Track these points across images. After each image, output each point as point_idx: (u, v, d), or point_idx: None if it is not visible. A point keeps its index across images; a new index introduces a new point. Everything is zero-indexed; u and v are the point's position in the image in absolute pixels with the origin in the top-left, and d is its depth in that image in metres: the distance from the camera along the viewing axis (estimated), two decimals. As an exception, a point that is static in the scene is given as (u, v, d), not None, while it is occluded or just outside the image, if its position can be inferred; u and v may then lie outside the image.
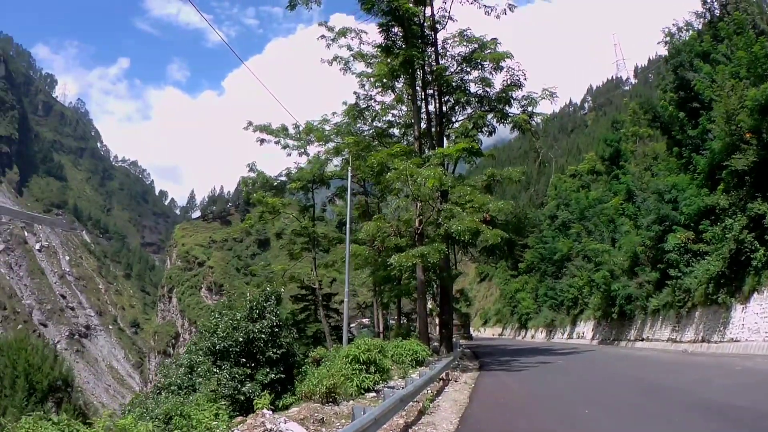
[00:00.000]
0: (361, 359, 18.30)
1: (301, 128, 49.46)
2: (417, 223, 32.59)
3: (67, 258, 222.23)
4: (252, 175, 53.36)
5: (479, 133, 38.54)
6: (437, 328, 45.33)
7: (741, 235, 29.07)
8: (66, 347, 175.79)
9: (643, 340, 40.23)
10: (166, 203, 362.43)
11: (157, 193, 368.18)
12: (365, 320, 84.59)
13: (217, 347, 23.51)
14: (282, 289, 26.66)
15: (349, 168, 37.10)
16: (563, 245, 69.49)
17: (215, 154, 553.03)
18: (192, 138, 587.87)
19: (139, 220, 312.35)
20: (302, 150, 51.39)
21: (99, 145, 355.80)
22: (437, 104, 38.34)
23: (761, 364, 21.71)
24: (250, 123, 49.58)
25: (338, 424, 13.20)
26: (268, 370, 23.53)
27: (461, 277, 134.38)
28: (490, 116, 38.50)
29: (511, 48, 38.25)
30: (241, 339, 23.55)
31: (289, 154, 51.31)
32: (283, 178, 54.21)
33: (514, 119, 37.43)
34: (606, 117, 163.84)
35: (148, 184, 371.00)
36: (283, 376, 23.80)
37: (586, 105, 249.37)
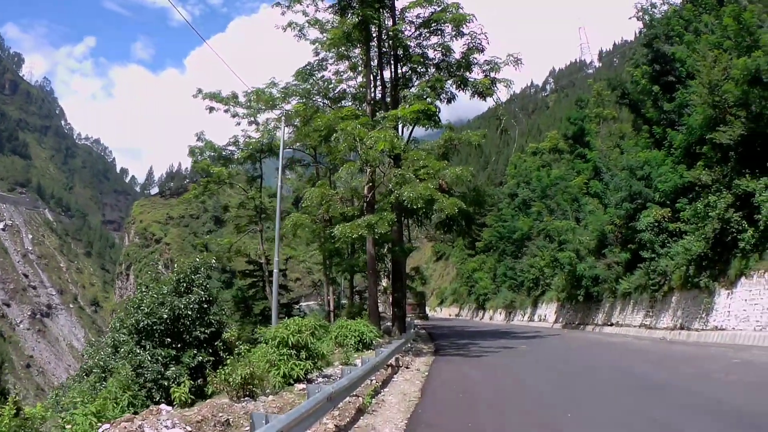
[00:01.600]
0: (290, 342, 14.84)
1: (252, 97, 46.06)
2: (366, 191, 29.09)
3: (30, 237, 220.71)
4: (200, 144, 49.76)
5: (437, 99, 35.55)
6: (391, 307, 42.10)
7: (726, 214, 26.32)
8: (28, 327, 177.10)
9: (612, 325, 37.61)
10: (126, 181, 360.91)
11: (118, 170, 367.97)
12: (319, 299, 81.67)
13: (140, 325, 20.14)
14: (213, 260, 23.07)
15: (282, 124, 33.43)
16: (523, 224, 66.91)
17: (176, 131, 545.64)
18: (154, 115, 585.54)
19: (100, 198, 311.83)
20: (252, 119, 48.20)
21: (63, 123, 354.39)
22: (393, 70, 35.33)
23: (759, 356, 18.89)
24: (200, 90, 47.17)
25: (247, 427, 9.79)
26: (195, 351, 20.21)
27: (417, 254, 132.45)
28: (449, 83, 35.49)
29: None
30: (165, 316, 20.24)
31: (238, 123, 48.49)
32: (232, 148, 50.69)
33: (475, 83, 34.43)
34: (568, 99, 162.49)
35: (110, 162, 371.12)
36: (212, 358, 20.24)
37: (548, 87, 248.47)
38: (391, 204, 27.24)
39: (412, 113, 27.75)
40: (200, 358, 19.77)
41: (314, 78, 39.94)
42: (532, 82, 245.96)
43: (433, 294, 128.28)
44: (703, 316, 27.37)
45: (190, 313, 20.57)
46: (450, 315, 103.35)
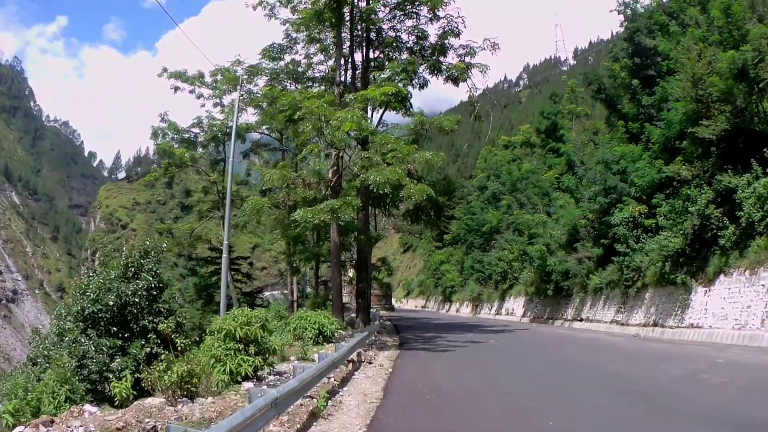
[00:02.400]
0: (238, 336, 13.25)
1: (219, 78, 44.00)
2: (330, 175, 27.50)
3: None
4: (163, 125, 47.50)
5: (410, 84, 34.17)
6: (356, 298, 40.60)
7: (707, 210, 25.31)
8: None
9: (582, 320, 36.62)
10: (94, 165, 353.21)
11: (86, 154, 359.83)
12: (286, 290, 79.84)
13: (86, 312, 18.60)
14: (164, 245, 21.34)
15: (238, 94, 31.73)
16: (493, 217, 65.90)
17: (145, 115, 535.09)
18: (124, 98, 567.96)
19: (67, 182, 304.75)
20: (218, 100, 46.15)
21: (32, 104, 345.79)
22: (364, 53, 33.94)
23: (742, 356, 17.77)
24: (165, 69, 44.94)
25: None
26: (143, 342, 18.60)
27: (384, 245, 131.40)
28: (422, 67, 34.11)
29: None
30: (111, 303, 18.74)
31: (203, 105, 46.26)
32: (195, 130, 48.53)
33: (449, 68, 33.13)
34: (542, 95, 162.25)
35: (78, 145, 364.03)
36: (162, 350, 18.57)
37: (521, 82, 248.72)
38: (356, 189, 25.58)
39: (382, 95, 26.06)
40: (148, 349, 18.27)
41: (283, 59, 38.17)
42: (505, 77, 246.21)
43: (399, 285, 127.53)
44: (678, 313, 26.40)
45: (137, 300, 19.09)
46: (416, 307, 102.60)
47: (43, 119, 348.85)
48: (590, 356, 20.30)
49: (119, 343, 17.52)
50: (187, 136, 48.17)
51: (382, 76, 30.20)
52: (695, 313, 25.28)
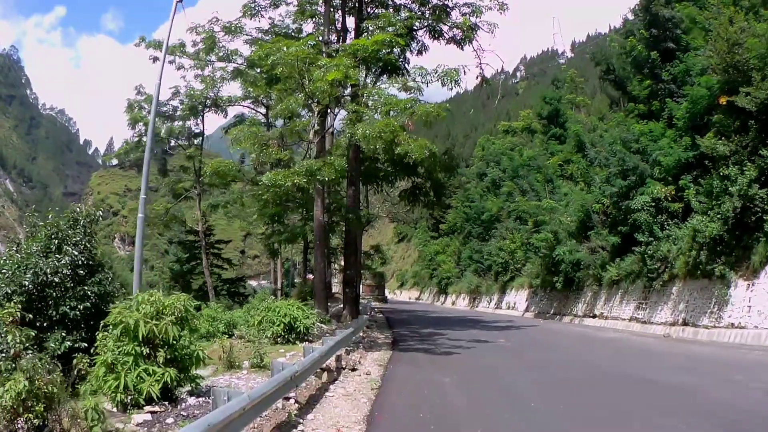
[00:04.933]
0: (141, 334, 9.42)
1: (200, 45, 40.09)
2: (312, 135, 23.63)
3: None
4: (140, 98, 43.92)
5: (407, 49, 30.61)
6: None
7: (750, 190, 21.72)
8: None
9: (595, 316, 33.02)
10: (90, 153, 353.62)
11: (81, 142, 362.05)
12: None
13: None
14: (99, 212, 17.39)
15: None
16: (492, 204, 62.52)
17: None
18: (120, 87, 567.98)
19: (62, 170, 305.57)
20: (200, 71, 42.55)
21: (29, 92, 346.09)
22: (356, 18, 29.99)
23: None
24: (143, 39, 41.92)
25: None
26: (64, 333, 14.86)
27: (378, 235, 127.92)
28: (421, 32, 30.85)
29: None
30: (27, 283, 14.95)
31: (183, 77, 42.70)
32: (174, 103, 44.92)
33: (453, 26, 29.71)
34: (539, 86, 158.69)
35: (74, 133, 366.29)
36: (86, 345, 14.76)
37: (518, 74, 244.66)
38: (344, 150, 21.77)
39: (374, 44, 22.01)
40: (69, 343, 14.60)
41: (264, 16, 34.20)
42: (502, 68, 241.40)
43: (393, 276, 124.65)
44: (715, 310, 22.80)
45: (58, 281, 15.32)
46: (410, 298, 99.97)
47: (39, 107, 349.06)
48: (630, 363, 16.49)
49: (33, 334, 13.57)
50: (165, 109, 44.95)
51: (375, 25, 26.27)
52: (736, 310, 21.69)
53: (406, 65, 30.08)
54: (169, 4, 34.45)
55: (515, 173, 61.99)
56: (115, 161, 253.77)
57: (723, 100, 25.56)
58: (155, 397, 9.04)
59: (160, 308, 9.83)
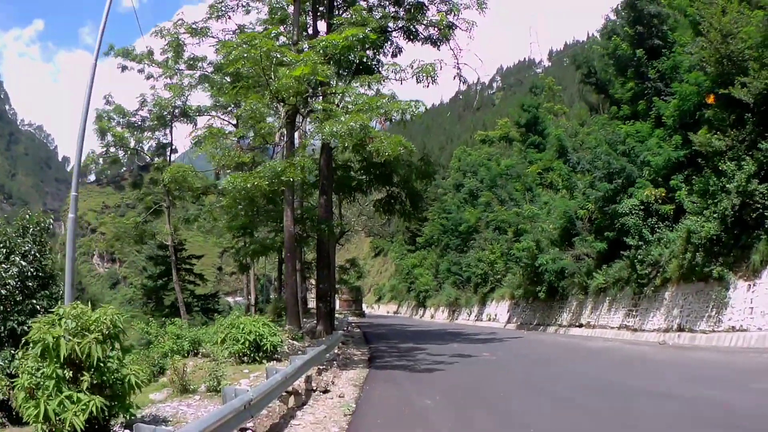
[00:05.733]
0: (63, 353, 7.58)
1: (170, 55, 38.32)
2: (278, 138, 21.87)
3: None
4: (108, 108, 42.04)
5: (380, 53, 29.43)
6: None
7: (749, 186, 20.44)
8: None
9: (581, 326, 31.48)
10: (69, 169, 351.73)
11: (60, 159, 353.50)
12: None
13: None
14: (49, 221, 15.61)
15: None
16: (470, 215, 61.50)
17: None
18: (97, 102, 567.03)
19: (41, 186, 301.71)
20: (169, 79, 40.71)
21: (7, 108, 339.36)
22: (327, 21, 28.37)
23: None
24: (111, 47, 39.77)
25: None
26: (13, 351, 13.20)
27: (354, 250, 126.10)
28: (396, 34, 29.69)
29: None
30: (-28, 295, 13.44)
31: (153, 86, 40.79)
32: (143, 113, 43.01)
33: (429, 24, 28.49)
34: (516, 96, 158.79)
35: (52, 149, 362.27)
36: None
37: (494, 84, 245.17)
38: (305, 147, 20.13)
39: (345, 40, 20.35)
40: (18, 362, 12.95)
41: (232, 18, 32.52)
42: (478, 78, 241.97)
43: (370, 290, 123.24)
44: (713, 314, 21.37)
45: (6, 293, 13.67)
46: (388, 312, 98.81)
47: (18, 123, 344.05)
48: (634, 375, 14.78)
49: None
50: (134, 120, 43.05)
51: (348, 21, 24.66)
52: (737, 312, 20.30)
53: (380, 69, 28.67)
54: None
55: (493, 183, 60.85)
56: (92, 177, 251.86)
57: (711, 99, 24.73)
58: (79, 430, 7.24)
59: (87, 323, 7.99)
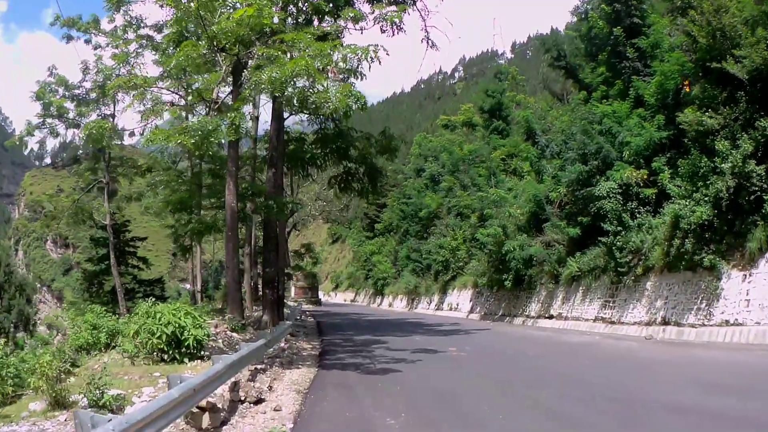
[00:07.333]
0: None
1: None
2: (215, 94, 18.98)
3: None
4: (51, 80, 38.54)
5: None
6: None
7: (746, 167, 18.47)
8: None
9: (552, 317, 29.42)
10: (26, 153, 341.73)
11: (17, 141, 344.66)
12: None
13: None
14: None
15: None
16: (431, 201, 59.23)
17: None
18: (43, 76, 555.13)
19: None
20: (116, 49, 37.38)
21: None
22: None
23: None
24: (57, 17, 36.25)
25: None
26: None
27: (312, 235, 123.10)
28: None
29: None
30: None
31: (100, 56, 37.47)
32: (88, 84, 39.55)
33: None
34: (477, 87, 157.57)
35: (10, 132, 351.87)
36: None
37: (456, 74, 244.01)
38: (244, 99, 17.36)
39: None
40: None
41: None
42: (440, 68, 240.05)
43: (327, 278, 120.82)
44: (703, 306, 19.43)
45: None
46: (345, 300, 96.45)
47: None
48: (630, 379, 12.34)
49: None
50: (78, 92, 39.67)
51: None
52: (730, 305, 18.38)
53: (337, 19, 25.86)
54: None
55: (455, 168, 58.64)
56: (48, 161, 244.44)
57: (687, 86, 23.44)
58: None
59: None
